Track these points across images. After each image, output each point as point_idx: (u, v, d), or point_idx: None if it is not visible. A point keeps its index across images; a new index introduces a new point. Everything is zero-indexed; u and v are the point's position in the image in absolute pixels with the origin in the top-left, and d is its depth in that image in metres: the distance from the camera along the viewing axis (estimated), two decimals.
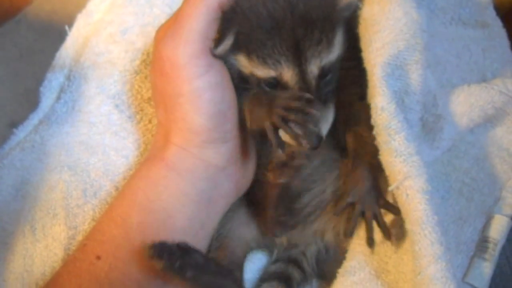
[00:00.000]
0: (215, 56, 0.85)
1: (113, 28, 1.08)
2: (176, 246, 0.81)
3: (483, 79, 1.05)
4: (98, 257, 0.82)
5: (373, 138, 0.86)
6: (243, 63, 0.86)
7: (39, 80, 1.06)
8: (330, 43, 0.84)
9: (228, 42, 0.84)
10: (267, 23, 0.82)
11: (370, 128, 0.86)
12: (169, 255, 0.79)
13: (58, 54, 1.08)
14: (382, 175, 0.87)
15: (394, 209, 0.87)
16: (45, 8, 1.46)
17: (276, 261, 1.03)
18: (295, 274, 1.00)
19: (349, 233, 0.91)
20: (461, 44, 1.09)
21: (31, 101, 1.05)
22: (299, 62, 0.83)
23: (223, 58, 0.87)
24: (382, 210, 0.91)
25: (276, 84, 0.85)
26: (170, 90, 0.85)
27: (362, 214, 0.90)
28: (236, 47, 0.85)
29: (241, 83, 0.89)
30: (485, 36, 1.11)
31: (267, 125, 0.83)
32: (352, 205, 0.91)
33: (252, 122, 0.88)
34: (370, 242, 0.91)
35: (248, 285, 1.00)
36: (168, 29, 0.84)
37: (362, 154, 0.92)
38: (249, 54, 0.84)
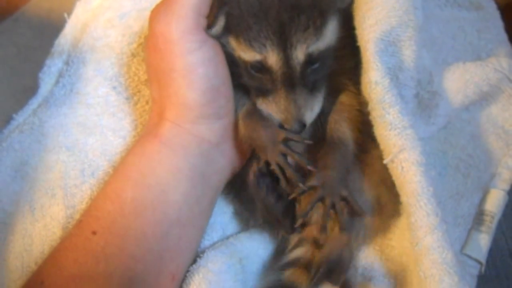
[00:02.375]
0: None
1: (111, 13, 1.05)
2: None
3: (478, 59, 1.02)
4: (94, 232, 0.80)
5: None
6: (232, 45, 0.85)
7: (37, 77, 1.03)
8: (318, 30, 0.82)
9: (220, 23, 0.83)
10: (255, 6, 0.80)
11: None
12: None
13: (57, 41, 1.05)
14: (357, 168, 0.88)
15: (355, 207, 0.85)
16: (43, 6, 1.44)
17: (299, 244, 0.97)
18: None
19: (303, 215, 0.87)
20: (456, 26, 1.07)
21: (29, 98, 1.03)
22: (284, 47, 0.81)
23: (217, 38, 0.86)
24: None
25: (261, 68, 0.83)
26: (164, 66, 0.83)
27: (322, 200, 0.86)
28: (226, 29, 0.84)
29: (232, 66, 0.87)
30: (480, 17, 1.09)
31: (273, 164, 0.86)
32: (315, 188, 0.85)
33: (248, 141, 0.89)
34: (322, 229, 0.86)
35: (254, 267, 0.98)
36: (161, 6, 0.83)
37: (339, 135, 0.89)
38: (237, 36, 0.83)
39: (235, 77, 0.88)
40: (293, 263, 0.93)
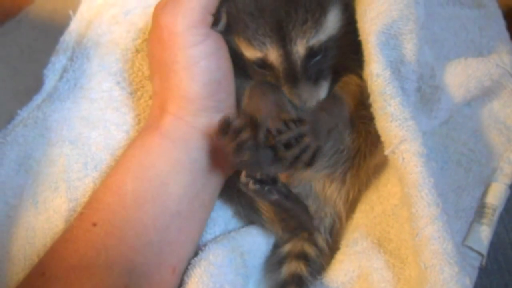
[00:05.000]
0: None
1: (115, 10, 1.04)
2: (268, 175, 0.83)
3: (480, 56, 1.00)
4: (94, 224, 0.79)
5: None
6: (236, 43, 0.85)
7: (40, 78, 1.02)
8: (317, 23, 0.81)
9: (223, 21, 0.83)
10: (250, 5, 0.80)
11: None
12: (260, 180, 0.82)
13: (61, 38, 1.04)
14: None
15: (314, 160, 0.81)
16: (46, 7, 1.43)
17: (290, 239, 0.98)
18: (311, 252, 0.96)
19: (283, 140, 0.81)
20: (458, 23, 1.06)
21: (33, 98, 1.02)
22: (284, 43, 0.80)
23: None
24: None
25: (264, 65, 0.83)
26: (166, 58, 0.82)
27: (302, 136, 0.80)
28: (228, 27, 0.83)
29: (239, 60, 0.87)
30: (482, 15, 1.07)
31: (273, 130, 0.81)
32: (303, 122, 0.81)
33: (252, 110, 0.86)
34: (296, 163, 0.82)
35: (255, 261, 0.97)
36: (168, 0, 0.82)
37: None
38: (238, 35, 0.83)
39: (243, 70, 0.88)
40: (286, 257, 0.95)
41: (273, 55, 0.81)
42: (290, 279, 0.93)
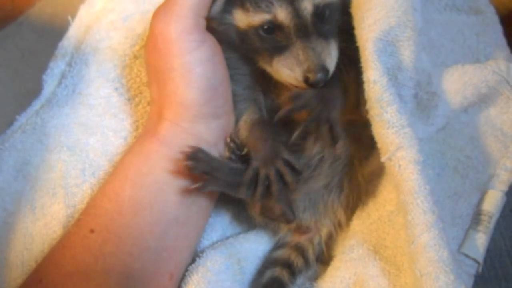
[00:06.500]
0: (207, 30, 0.84)
1: (114, 15, 1.05)
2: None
3: (477, 62, 1.00)
4: (92, 231, 0.79)
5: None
6: (240, 17, 0.84)
7: (40, 81, 1.03)
8: None
9: (220, 1, 0.83)
10: None
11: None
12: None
13: (60, 44, 1.05)
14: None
15: (335, 131, 0.85)
16: (47, 10, 1.44)
17: (281, 246, 0.99)
18: (298, 262, 0.96)
19: (297, 136, 0.86)
20: (455, 29, 1.06)
21: (32, 102, 1.02)
22: (291, 0, 0.80)
23: (219, 21, 0.85)
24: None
25: (273, 28, 0.82)
26: (163, 65, 0.82)
27: (318, 119, 0.84)
28: (230, 4, 0.83)
29: (242, 44, 0.86)
30: (479, 21, 1.07)
31: (263, 174, 0.86)
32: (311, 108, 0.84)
33: (252, 149, 0.89)
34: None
35: (252, 268, 0.97)
36: (162, 7, 0.83)
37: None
38: (242, 4, 0.82)
39: (244, 51, 0.88)
40: (273, 263, 0.95)
41: (282, 13, 0.81)
42: (271, 282, 0.93)
